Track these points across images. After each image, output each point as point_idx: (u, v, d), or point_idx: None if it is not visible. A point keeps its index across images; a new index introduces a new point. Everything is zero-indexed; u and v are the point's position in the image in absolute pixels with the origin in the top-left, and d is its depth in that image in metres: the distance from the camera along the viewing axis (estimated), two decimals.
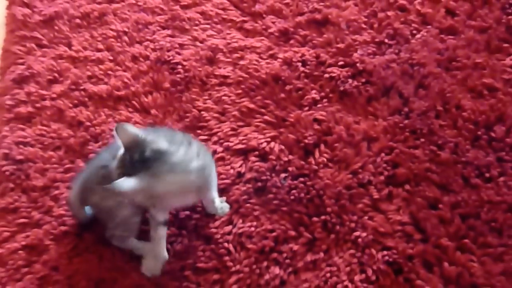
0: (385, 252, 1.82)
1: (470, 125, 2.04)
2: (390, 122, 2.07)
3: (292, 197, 1.93)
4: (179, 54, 2.31)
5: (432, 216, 1.87)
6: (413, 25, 2.33)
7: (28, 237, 1.91)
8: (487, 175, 1.94)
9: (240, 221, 1.91)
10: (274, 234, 1.87)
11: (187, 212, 1.92)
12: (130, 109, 2.18)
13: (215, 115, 2.14)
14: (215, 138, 2.09)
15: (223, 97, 2.19)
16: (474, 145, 2.01)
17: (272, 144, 2.05)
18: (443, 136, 2.03)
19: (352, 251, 1.84)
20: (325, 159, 2.01)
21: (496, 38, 2.26)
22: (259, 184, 1.97)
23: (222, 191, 1.96)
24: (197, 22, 2.43)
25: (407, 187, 1.93)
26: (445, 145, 2.01)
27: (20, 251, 1.89)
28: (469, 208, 1.88)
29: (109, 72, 2.29)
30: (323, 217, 1.90)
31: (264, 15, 2.41)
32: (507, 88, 2.12)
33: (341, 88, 2.17)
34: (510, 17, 2.30)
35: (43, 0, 2.54)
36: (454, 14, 2.34)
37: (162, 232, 1.81)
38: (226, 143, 2.07)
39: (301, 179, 1.97)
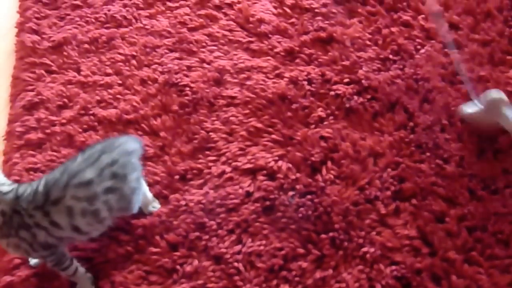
0: (393, 267, 1.84)
1: (475, 138, 2.06)
2: (396, 137, 2.10)
3: (300, 215, 1.96)
4: (187, 76, 2.35)
5: (439, 229, 1.90)
6: (417, 40, 2.35)
7: (39, 264, 1.94)
8: (493, 187, 1.96)
9: (250, 240, 1.93)
10: (283, 252, 1.90)
11: (197, 233, 1.95)
12: (139, 132, 2.21)
13: (223, 135, 2.18)
14: (223, 159, 2.12)
15: (231, 118, 2.22)
16: (480, 157, 2.03)
17: (280, 162, 2.08)
18: (449, 149, 2.05)
19: (360, 267, 1.86)
20: (332, 176, 2.04)
21: (500, 51, 2.28)
22: (268, 203, 2.00)
23: (231, 211, 1.99)
24: (204, 44, 2.46)
25: (414, 201, 1.96)
26: (451, 158, 2.03)
27: (31, 278, 1.92)
28: (475, 220, 1.90)
29: (118, 96, 2.33)
30: (331, 233, 1.92)
31: (269, 35, 2.45)
32: (511, 100, 2.13)
33: (347, 105, 2.20)
34: None
35: (51, 27, 2.58)
36: (457, 28, 2.36)
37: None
38: (234, 163, 2.10)
39: (309, 196, 2.00)
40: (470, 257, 1.84)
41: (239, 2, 2.56)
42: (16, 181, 2.09)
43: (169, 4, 2.60)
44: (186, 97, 2.28)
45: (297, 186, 2.02)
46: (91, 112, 2.29)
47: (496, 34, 2.32)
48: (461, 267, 1.82)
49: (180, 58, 2.42)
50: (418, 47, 2.34)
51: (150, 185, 2.06)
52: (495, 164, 2.01)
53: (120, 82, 2.37)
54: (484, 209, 1.92)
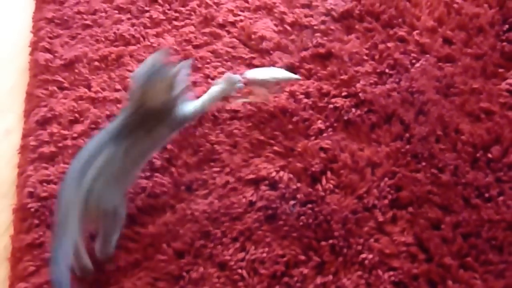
0: (391, 273, 1.82)
1: (469, 148, 2.04)
2: (393, 148, 2.08)
3: (301, 223, 1.94)
4: (192, 91, 2.33)
5: (435, 236, 1.88)
6: (412, 54, 2.33)
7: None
8: (487, 195, 1.94)
9: (253, 247, 1.92)
10: (285, 259, 1.88)
11: (202, 241, 1.93)
12: None
13: (227, 147, 2.16)
14: (227, 170, 2.10)
15: (234, 131, 2.20)
16: (473, 166, 2.01)
17: (281, 173, 2.06)
18: (443, 159, 2.03)
19: (359, 272, 1.84)
20: (331, 186, 2.02)
21: (492, 64, 2.25)
22: (270, 211, 1.98)
23: (235, 219, 1.98)
24: (208, 60, 2.44)
25: (410, 209, 1.93)
26: (446, 168, 2.01)
27: (45, 285, 1.90)
28: (470, 227, 1.88)
29: None
30: (331, 241, 1.90)
31: (271, 52, 2.43)
32: (503, 111, 2.12)
33: (345, 118, 2.18)
34: (504, 43, 2.30)
35: (63, 45, 2.57)
36: (451, 43, 2.34)
37: None
38: (238, 174, 2.08)
39: (309, 205, 1.98)
40: (465, 263, 1.82)
41: (241, 21, 2.54)
42: (29, 193, 2.10)
43: (175, 23, 2.59)
44: None
45: (298, 196, 2.00)
46: (101, 126, 2.27)
47: (488, 48, 2.30)
48: (456, 273, 1.80)
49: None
50: (413, 61, 2.31)
51: (157, 195, 2.05)
52: (489, 173, 1.99)
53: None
54: (478, 217, 1.90)
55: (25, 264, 1.95)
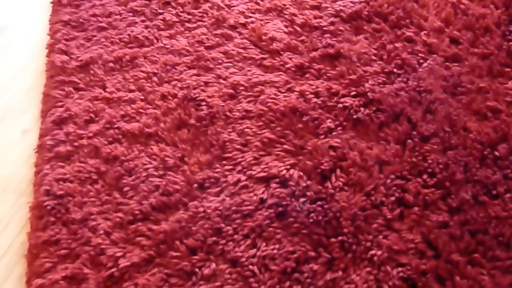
0: (399, 269, 1.79)
1: (477, 145, 2.01)
2: (400, 146, 2.05)
3: (311, 220, 1.91)
4: (204, 91, 2.31)
5: (442, 233, 1.84)
6: (419, 54, 2.30)
7: (68, 268, 1.91)
8: (494, 192, 1.91)
9: (264, 244, 1.89)
10: (295, 255, 1.85)
11: (214, 238, 1.91)
12: (160, 144, 2.17)
13: (238, 146, 2.13)
14: (239, 168, 2.08)
15: (246, 129, 2.17)
16: (481, 164, 1.98)
17: (292, 171, 2.04)
18: None
19: (368, 268, 1.81)
20: (341, 183, 1.98)
21: (498, 64, 2.22)
22: (280, 209, 1.95)
23: (246, 217, 1.95)
24: (220, 61, 2.42)
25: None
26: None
27: (61, 281, 1.88)
28: (477, 224, 1.85)
29: (141, 110, 2.29)
30: (340, 237, 1.87)
31: (281, 52, 2.40)
32: (510, 109, 2.09)
33: (354, 117, 2.15)
34: (510, 43, 2.27)
35: (79, 47, 2.56)
36: (457, 43, 2.31)
37: None
38: (249, 172, 2.06)
39: (319, 202, 1.95)
40: (473, 259, 1.79)
41: (252, 22, 2.52)
42: (46, 191, 2.08)
43: (187, 25, 2.57)
44: (203, 111, 2.24)
45: (308, 193, 1.97)
46: (115, 126, 2.25)
47: (494, 47, 2.27)
48: (464, 269, 1.77)
49: (198, 75, 2.38)
50: (421, 61, 2.28)
51: (170, 193, 2.02)
52: (496, 170, 1.95)
53: (142, 97, 2.34)
54: (486, 214, 1.87)
55: (42, 260, 1.93)
